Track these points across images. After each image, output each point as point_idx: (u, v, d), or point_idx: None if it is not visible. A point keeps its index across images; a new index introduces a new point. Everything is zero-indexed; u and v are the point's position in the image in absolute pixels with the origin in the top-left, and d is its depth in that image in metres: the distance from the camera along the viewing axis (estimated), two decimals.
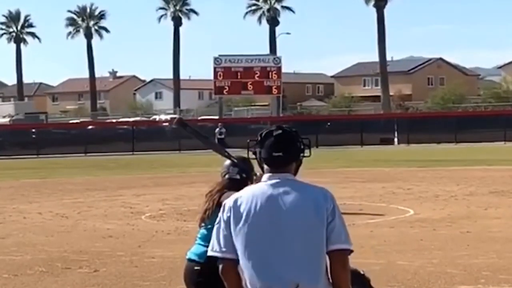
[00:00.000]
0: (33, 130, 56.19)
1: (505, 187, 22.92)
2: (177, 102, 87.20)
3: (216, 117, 60.28)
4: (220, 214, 4.53)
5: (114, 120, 72.50)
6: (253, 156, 4.65)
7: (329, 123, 57.35)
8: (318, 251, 4.42)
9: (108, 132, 56.79)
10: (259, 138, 4.57)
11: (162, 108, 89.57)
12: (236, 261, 4.47)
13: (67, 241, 14.76)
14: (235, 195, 4.56)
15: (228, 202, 4.52)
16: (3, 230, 16.53)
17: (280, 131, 4.53)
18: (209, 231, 6.50)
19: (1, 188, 26.59)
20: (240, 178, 6.58)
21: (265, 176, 4.53)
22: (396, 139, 54.81)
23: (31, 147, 51.46)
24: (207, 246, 6.47)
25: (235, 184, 6.47)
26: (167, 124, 55.88)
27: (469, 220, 16.55)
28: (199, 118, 67.69)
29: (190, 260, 6.57)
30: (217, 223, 4.53)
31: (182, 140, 47.58)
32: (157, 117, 72.47)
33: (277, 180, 4.48)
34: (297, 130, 4.63)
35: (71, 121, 74.35)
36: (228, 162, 6.64)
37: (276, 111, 62.19)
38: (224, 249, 4.48)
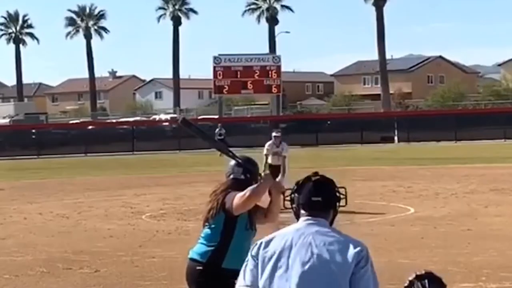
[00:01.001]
0: (33, 131, 56.16)
1: (506, 185, 22.92)
2: (177, 101, 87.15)
3: (216, 117, 60.17)
4: (250, 250, 4.54)
5: (114, 120, 72.43)
6: (289, 205, 4.61)
7: (329, 122, 57.37)
8: None
9: (108, 132, 56.76)
10: (295, 187, 4.57)
11: (162, 108, 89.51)
12: None
13: (68, 241, 14.77)
14: (271, 235, 4.53)
15: (263, 239, 4.52)
16: (4, 230, 16.54)
17: (318, 177, 4.56)
18: (213, 230, 6.49)
19: (2, 189, 26.57)
20: (245, 178, 6.56)
21: (301, 219, 4.50)
22: (396, 137, 54.78)
23: (31, 147, 51.45)
24: (210, 246, 6.51)
25: (240, 184, 6.47)
26: (167, 123, 55.85)
27: (470, 218, 16.56)
28: (199, 117, 67.59)
29: (192, 259, 6.53)
30: (247, 259, 4.53)
31: (182, 139, 47.58)
32: (156, 117, 72.36)
33: (312, 222, 4.45)
34: (333, 179, 4.62)
35: (71, 121, 74.29)
36: (233, 162, 6.62)
37: (276, 110, 62.09)
38: (247, 284, 4.46)
